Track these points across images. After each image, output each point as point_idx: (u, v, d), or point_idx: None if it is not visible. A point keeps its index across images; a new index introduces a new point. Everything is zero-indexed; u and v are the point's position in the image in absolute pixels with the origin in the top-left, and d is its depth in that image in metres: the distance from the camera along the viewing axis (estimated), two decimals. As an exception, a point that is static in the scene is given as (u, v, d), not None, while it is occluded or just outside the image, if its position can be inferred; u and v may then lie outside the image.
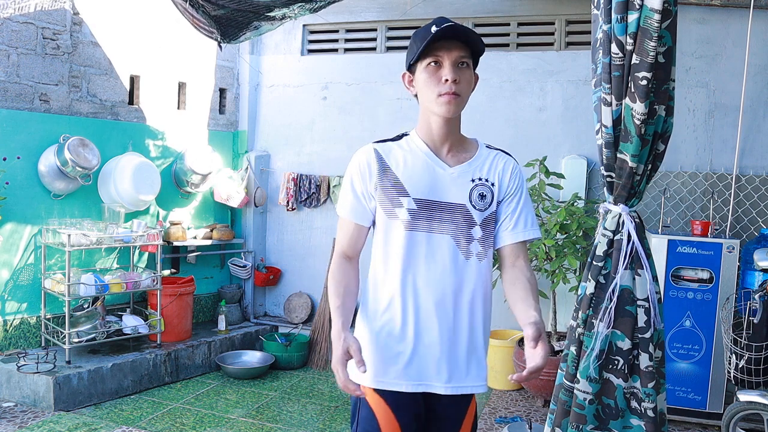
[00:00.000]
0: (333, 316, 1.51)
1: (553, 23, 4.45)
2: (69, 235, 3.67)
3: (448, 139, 1.61)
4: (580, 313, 2.09)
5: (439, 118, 1.57)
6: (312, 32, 5.08)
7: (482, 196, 1.60)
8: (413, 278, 1.58)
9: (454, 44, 1.51)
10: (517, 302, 1.56)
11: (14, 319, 3.86)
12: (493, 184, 1.62)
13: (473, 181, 1.60)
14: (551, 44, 4.46)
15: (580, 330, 2.08)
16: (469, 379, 1.62)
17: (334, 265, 1.64)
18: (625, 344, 2.02)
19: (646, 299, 2.02)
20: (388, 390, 1.59)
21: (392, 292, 1.59)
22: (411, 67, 1.60)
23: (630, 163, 1.98)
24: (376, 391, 1.60)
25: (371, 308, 1.63)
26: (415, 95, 1.62)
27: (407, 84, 1.63)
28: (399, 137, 1.66)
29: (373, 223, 1.65)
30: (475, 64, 1.59)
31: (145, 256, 4.48)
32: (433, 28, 1.50)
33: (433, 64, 1.53)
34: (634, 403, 2.04)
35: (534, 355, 1.41)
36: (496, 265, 1.75)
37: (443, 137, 1.60)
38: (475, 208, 1.59)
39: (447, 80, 1.51)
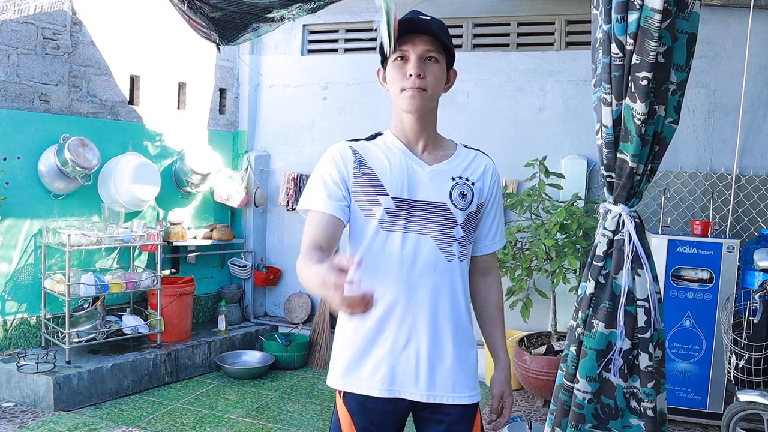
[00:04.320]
0: (315, 273, 1.18)
1: (553, 23, 4.45)
2: (69, 235, 3.67)
3: (422, 137, 1.55)
4: (580, 313, 2.09)
5: (409, 115, 1.52)
6: (312, 32, 5.08)
7: (463, 195, 1.53)
8: (389, 280, 1.48)
9: (420, 38, 1.46)
10: (488, 335, 1.69)
11: (14, 319, 3.87)
12: (473, 184, 1.56)
13: (453, 179, 1.54)
14: (551, 44, 4.46)
15: (580, 330, 2.08)
16: (456, 387, 1.52)
17: (303, 257, 1.34)
18: (624, 344, 2.02)
19: (646, 299, 2.02)
20: (356, 393, 1.52)
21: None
22: (384, 63, 1.54)
23: (630, 163, 1.98)
24: (345, 395, 1.54)
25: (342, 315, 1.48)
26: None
27: (381, 80, 1.58)
28: (373, 136, 1.59)
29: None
30: (450, 61, 1.54)
31: (145, 256, 4.48)
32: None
33: (399, 59, 1.48)
34: (633, 403, 2.04)
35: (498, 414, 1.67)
36: None
37: (417, 134, 1.54)
38: (456, 207, 1.52)
39: (411, 75, 1.46)
